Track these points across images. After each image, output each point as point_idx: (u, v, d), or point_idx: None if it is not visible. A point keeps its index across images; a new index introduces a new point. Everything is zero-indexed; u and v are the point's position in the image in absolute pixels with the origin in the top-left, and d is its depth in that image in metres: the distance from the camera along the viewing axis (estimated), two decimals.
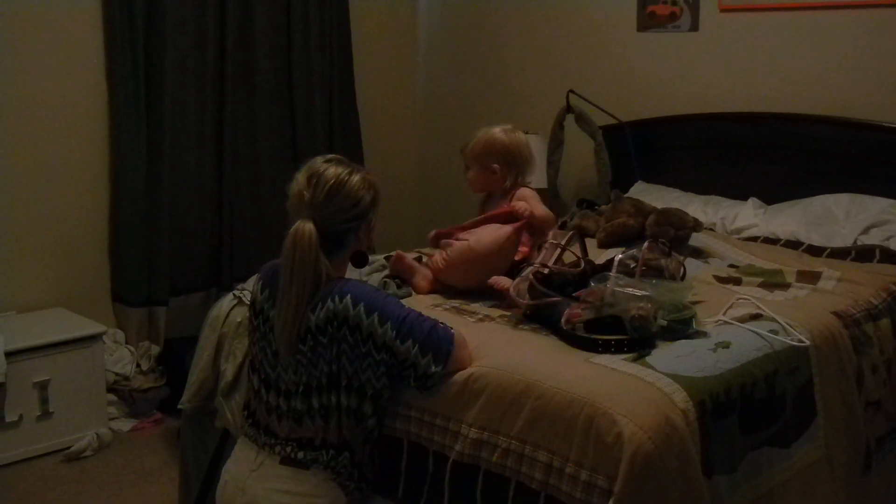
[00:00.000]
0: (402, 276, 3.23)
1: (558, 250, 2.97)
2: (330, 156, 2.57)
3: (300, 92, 5.33)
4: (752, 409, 2.55)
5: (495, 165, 3.32)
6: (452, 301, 3.08)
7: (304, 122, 5.37)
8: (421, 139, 6.19)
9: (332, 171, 2.48)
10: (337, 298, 2.41)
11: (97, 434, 4.21)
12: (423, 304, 2.96)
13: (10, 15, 4.28)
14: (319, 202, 2.44)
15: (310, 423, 2.47)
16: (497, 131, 3.33)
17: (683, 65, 4.80)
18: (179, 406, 3.32)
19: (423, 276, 3.20)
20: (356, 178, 2.50)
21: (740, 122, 4.49)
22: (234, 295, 3.28)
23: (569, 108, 4.74)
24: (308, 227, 2.41)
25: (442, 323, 2.52)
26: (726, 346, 2.65)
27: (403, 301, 2.72)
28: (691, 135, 4.68)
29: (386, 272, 3.27)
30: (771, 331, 2.79)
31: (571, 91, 4.74)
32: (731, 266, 3.61)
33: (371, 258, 3.23)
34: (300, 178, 2.49)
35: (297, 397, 2.48)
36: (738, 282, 3.36)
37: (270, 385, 2.54)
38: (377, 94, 5.89)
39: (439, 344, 2.45)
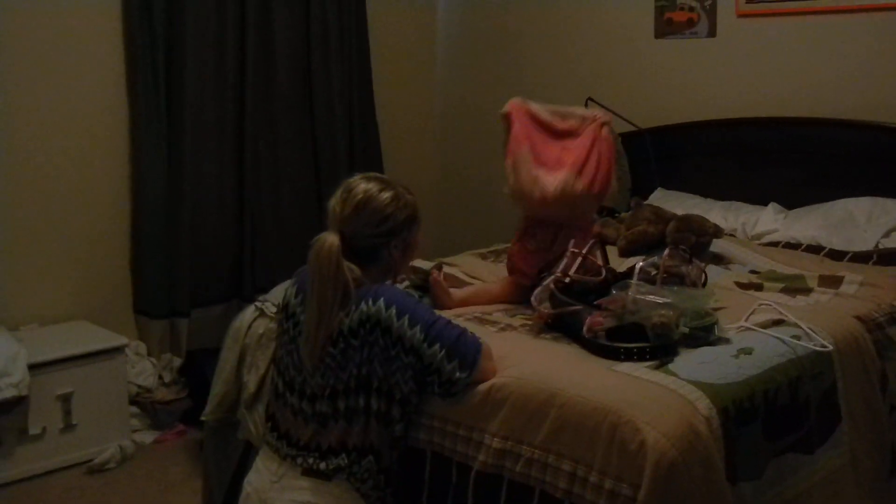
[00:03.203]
0: (431, 295, 3.23)
1: (579, 259, 2.97)
2: (370, 174, 2.61)
3: (320, 101, 5.34)
4: (775, 416, 2.55)
5: None
6: (475, 311, 3.09)
7: (324, 132, 5.38)
8: (440, 147, 6.19)
9: (363, 186, 2.53)
10: (371, 301, 2.44)
11: (120, 446, 4.23)
12: (447, 315, 2.95)
13: (30, 29, 4.31)
14: (347, 215, 2.49)
15: (333, 425, 2.48)
16: None
17: (702, 71, 4.80)
18: (202, 418, 3.33)
19: (451, 300, 3.19)
20: (387, 194, 2.53)
21: (759, 127, 4.48)
22: (255, 306, 3.29)
23: None
24: (331, 238, 2.45)
25: (471, 332, 2.54)
26: (749, 352, 2.64)
27: None
28: (710, 140, 4.67)
29: (407, 282, 3.27)
30: (793, 336, 2.78)
31: (590, 98, 4.74)
32: (753, 272, 3.60)
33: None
34: (337, 193, 2.54)
35: (322, 400, 2.49)
36: (759, 287, 3.35)
37: (295, 388, 2.55)
38: (396, 103, 5.89)
39: (466, 351, 2.47)
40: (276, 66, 5.16)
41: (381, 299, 2.45)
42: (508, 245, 3.43)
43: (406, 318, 2.44)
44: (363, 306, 2.45)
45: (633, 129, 4.82)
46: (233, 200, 5.05)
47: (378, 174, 2.63)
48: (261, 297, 3.37)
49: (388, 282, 2.63)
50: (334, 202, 2.52)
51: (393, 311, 2.43)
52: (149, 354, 4.70)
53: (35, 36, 4.33)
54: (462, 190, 6.07)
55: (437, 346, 2.44)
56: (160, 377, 4.61)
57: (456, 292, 3.22)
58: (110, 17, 4.55)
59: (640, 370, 2.48)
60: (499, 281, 3.37)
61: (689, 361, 2.55)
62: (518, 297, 3.19)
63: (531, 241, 3.23)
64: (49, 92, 4.40)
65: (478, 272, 3.66)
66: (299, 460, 2.51)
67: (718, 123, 4.63)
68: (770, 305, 3.04)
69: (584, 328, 2.66)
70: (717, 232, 3.85)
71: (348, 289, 2.45)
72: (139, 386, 4.50)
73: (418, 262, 3.49)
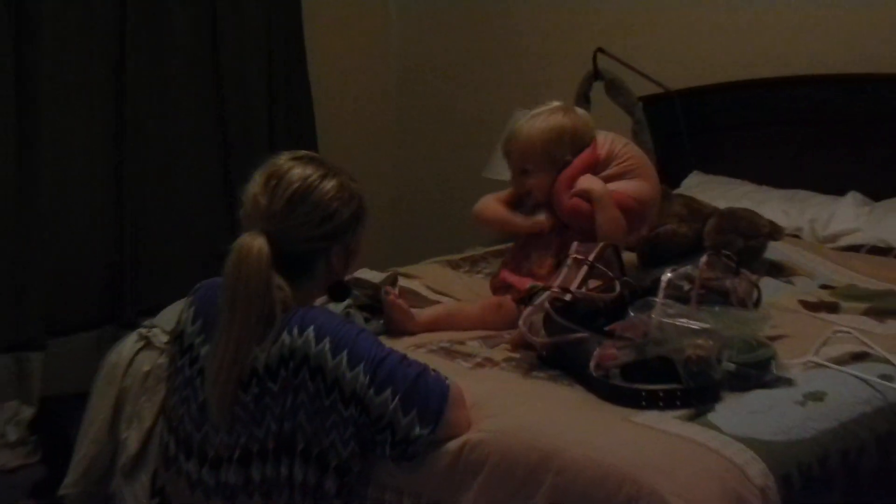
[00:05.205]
0: (385, 320, 3.22)
1: (584, 269, 2.96)
2: (301, 153, 2.60)
3: (228, 59, 5.34)
4: (859, 485, 2.54)
5: (569, 157, 3.40)
6: (440, 339, 3.08)
7: (235, 101, 5.39)
8: (396, 126, 6.21)
9: (299, 172, 2.51)
10: (295, 331, 2.42)
11: None
12: (403, 344, 2.97)
13: None
14: (278, 211, 2.47)
15: (246, 502, 2.46)
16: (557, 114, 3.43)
17: (752, 13, 4.80)
18: (61, 492, 3.31)
19: (413, 324, 3.19)
20: (330, 183, 2.52)
21: (834, 88, 4.50)
22: (139, 334, 3.30)
23: (597, 74, 4.74)
24: (258, 242, 2.42)
25: (433, 370, 2.51)
26: (820, 397, 2.64)
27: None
28: (765, 106, 4.70)
29: (348, 300, 3.25)
30: (882, 376, 2.78)
31: (600, 49, 4.74)
32: (825, 287, 3.62)
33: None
34: (257, 178, 2.52)
35: (229, 467, 2.47)
36: (834, 308, 3.37)
37: (192, 450, 2.54)
38: (336, 65, 5.90)
39: (428, 398, 2.44)
40: (167, 15, 5.13)
41: (311, 328, 2.42)
42: (486, 250, 3.46)
43: (345, 353, 2.40)
44: (284, 337, 2.42)
45: (658, 91, 4.82)
46: (109, 192, 5.04)
47: (312, 153, 2.62)
48: (146, 323, 3.38)
49: (318, 301, 2.61)
50: (256, 191, 2.50)
51: (326, 344, 2.41)
52: None
53: None
54: (424, 180, 6.08)
55: (388, 392, 2.40)
56: (2, 435, 4.57)
57: (421, 313, 3.23)
58: None
59: (667, 421, 2.47)
60: (479, 300, 3.37)
61: (737, 410, 2.54)
62: (504, 322, 3.19)
63: (525, 263, 3.38)
64: None
65: (447, 286, 3.66)
66: None
67: (776, 83, 4.66)
68: (849, 333, 3.05)
69: (592, 363, 2.65)
70: (775, 232, 3.86)
71: (273, 314, 2.43)
72: None
73: (364, 274, 3.48)
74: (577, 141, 3.38)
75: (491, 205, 3.56)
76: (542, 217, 3.40)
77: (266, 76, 5.49)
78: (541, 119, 3.38)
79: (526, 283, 3.21)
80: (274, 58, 5.50)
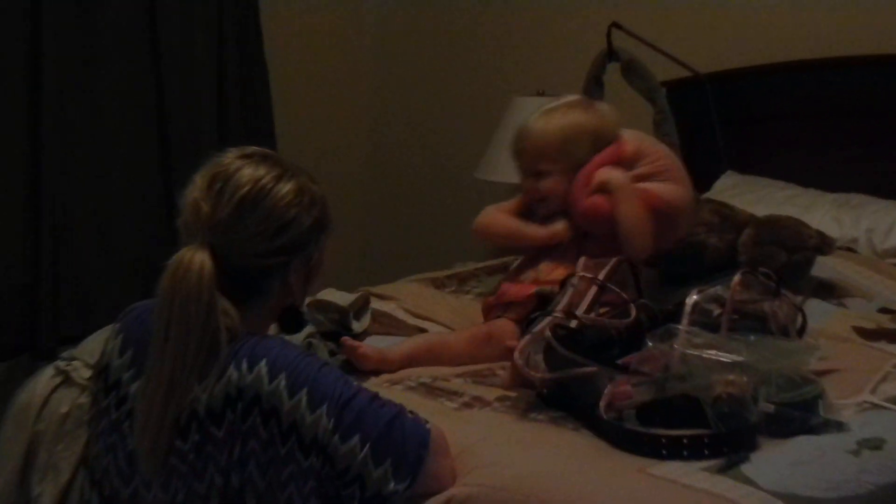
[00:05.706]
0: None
1: (594, 289, 2.95)
2: (251, 149, 2.58)
3: (170, 36, 5.34)
4: None
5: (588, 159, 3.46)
6: (419, 374, 3.08)
7: (177, 88, 5.38)
8: (371, 110, 6.22)
9: (249, 172, 2.49)
10: (244, 365, 2.39)
11: None
12: (376, 380, 3.00)
13: None
14: (223, 220, 2.45)
15: None
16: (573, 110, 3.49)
17: None
18: None
19: (386, 363, 3.18)
20: (287, 186, 2.50)
21: (892, 72, 4.49)
22: (56, 368, 3.28)
23: (612, 54, 4.74)
24: (199, 257, 2.40)
25: (410, 411, 2.49)
26: (877, 445, 2.64)
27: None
28: (813, 94, 4.71)
29: (309, 327, 3.24)
30: None
31: (615, 25, 4.74)
32: (885, 310, 3.63)
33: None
34: (199, 180, 2.50)
35: None
36: (895, 337, 3.35)
37: None
38: (298, 43, 5.93)
39: (404, 445, 2.41)
40: None
41: (263, 361, 2.40)
42: (477, 266, 3.45)
43: (304, 392, 2.38)
44: (232, 372, 2.40)
45: (684, 73, 4.83)
46: (21, 198, 5.01)
47: (264, 150, 2.60)
48: (65, 354, 3.36)
49: (272, 329, 2.59)
50: (197, 195, 2.48)
51: (282, 380, 2.38)
52: None
53: None
54: (403, 182, 6.09)
55: (356, 439, 2.38)
56: None
57: (394, 350, 3.22)
58: None
59: (693, 474, 2.46)
60: (465, 330, 3.37)
61: (777, 460, 2.53)
62: (496, 356, 3.19)
63: (531, 272, 3.39)
64: None
65: (429, 309, 3.67)
66: None
67: (823, 65, 4.67)
68: None
69: (603, 403, 2.65)
70: (824, 245, 3.85)
71: (217, 344, 2.40)
72: None
73: (330, 295, 3.47)
74: (598, 141, 3.43)
75: (497, 216, 3.59)
76: (559, 226, 3.41)
77: (215, 57, 5.49)
78: (558, 115, 3.44)
79: (527, 289, 3.22)
80: (224, 35, 5.50)
